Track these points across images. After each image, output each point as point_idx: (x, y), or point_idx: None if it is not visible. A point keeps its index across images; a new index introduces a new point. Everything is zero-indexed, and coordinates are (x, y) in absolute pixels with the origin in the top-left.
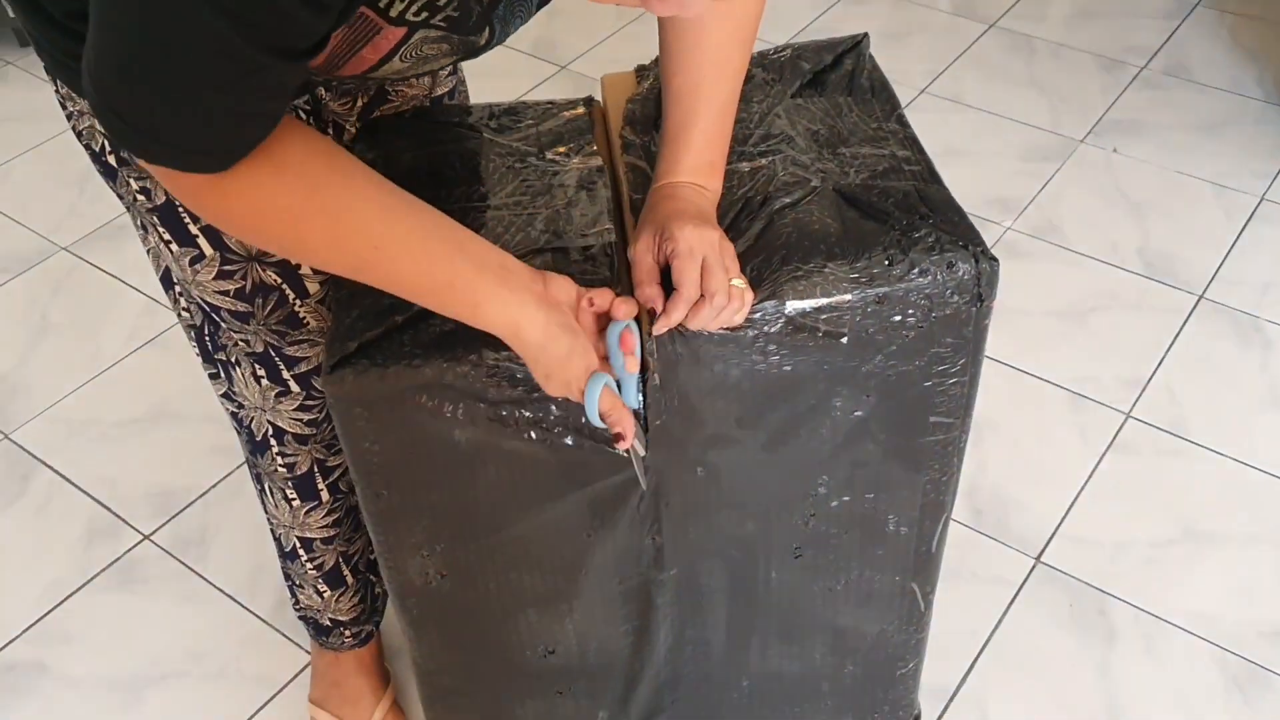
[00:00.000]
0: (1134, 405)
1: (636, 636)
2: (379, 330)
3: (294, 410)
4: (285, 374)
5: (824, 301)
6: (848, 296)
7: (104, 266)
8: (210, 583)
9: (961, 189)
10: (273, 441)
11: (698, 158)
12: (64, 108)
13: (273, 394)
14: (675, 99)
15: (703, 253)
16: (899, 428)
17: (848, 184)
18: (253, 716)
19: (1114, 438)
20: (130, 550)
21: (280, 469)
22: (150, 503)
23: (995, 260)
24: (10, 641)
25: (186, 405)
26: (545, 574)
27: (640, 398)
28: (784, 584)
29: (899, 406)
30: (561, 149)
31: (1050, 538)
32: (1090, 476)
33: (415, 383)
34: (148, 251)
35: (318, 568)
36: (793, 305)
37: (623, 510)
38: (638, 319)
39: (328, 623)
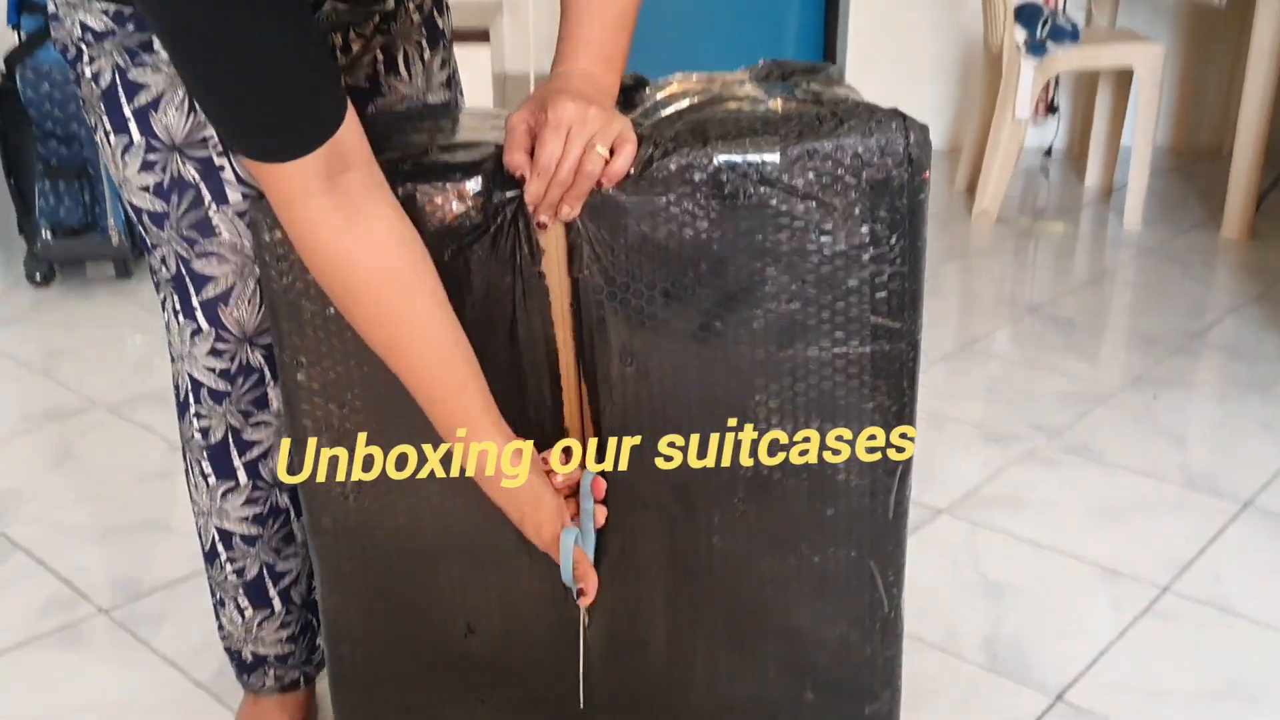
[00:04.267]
0: (1173, 581)
1: (562, 625)
2: None
3: (206, 355)
4: (194, 299)
5: (753, 157)
6: (774, 155)
7: (139, 420)
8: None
9: (982, 422)
10: (191, 400)
11: (592, 51)
12: (53, 16)
13: (188, 332)
14: (570, 2)
15: (569, 124)
16: (838, 327)
17: (790, 95)
18: None
19: (1149, 606)
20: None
21: (196, 434)
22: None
23: (924, 127)
24: None
25: (177, 522)
26: (470, 502)
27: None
28: (728, 554)
29: (835, 299)
30: None
31: (1076, 678)
32: (1122, 635)
33: None
34: (107, 169)
35: (238, 573)
36: (721, 157)
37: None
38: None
39: (249, 657)
